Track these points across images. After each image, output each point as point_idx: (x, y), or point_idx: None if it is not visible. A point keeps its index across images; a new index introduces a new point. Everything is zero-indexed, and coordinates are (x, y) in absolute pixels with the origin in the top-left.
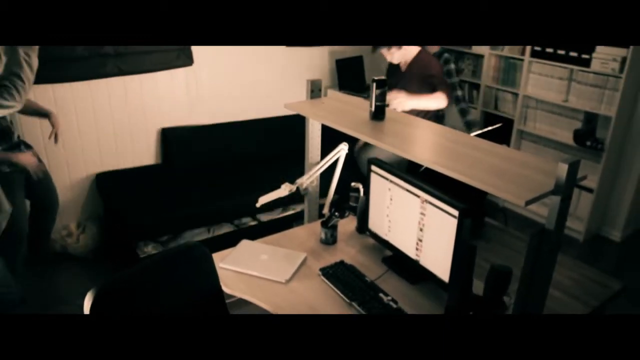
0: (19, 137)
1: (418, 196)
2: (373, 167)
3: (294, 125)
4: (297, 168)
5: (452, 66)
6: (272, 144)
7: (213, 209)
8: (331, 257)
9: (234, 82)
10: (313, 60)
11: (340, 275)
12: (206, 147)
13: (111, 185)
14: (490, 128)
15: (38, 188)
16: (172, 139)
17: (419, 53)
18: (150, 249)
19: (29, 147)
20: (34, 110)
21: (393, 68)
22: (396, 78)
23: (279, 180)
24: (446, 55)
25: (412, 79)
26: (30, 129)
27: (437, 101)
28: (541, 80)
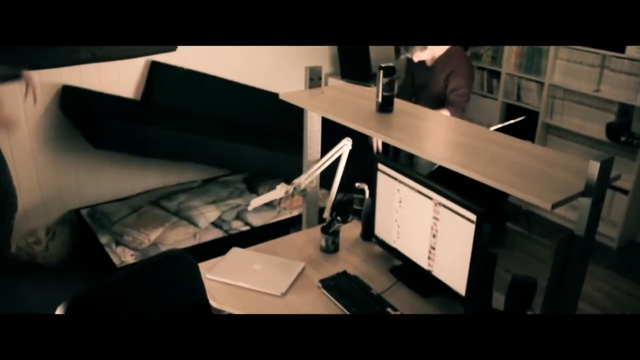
0: None
1: (431, 198)
2: (380, 166)
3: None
4: (293, 150)
5: None
6: (267, 118)
7: (189, 141)
8: (332, 267)
9: (224, 67)
10: (312, 46)
11: (342, 287)
12: (192, 95)
13: (77, 102)
14: (512, 121)
15: None
16: (158, 75)
17: (450, 48)
18: (128, 258)
19: None
20: (2, 77)
21: (414, 63)
22: (420, 73)
23: (263, 143)
24: None
25: (438, 76)
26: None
27: None
28: (569, 68)
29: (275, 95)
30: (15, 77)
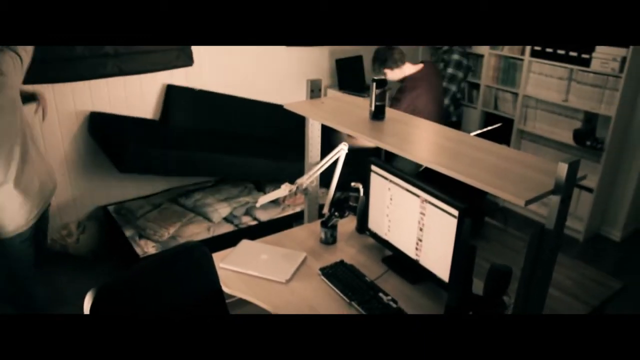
0: None
1: (418, 196)
2: (373, 167)
3: (291, 116)
4: (293, 153)
5: (455, 57)
6: (270, 128)
7: (207, 160)
8: (331, 257)
9: (233, 82)
10: (313, 60)
11: (340, 275)
12: (206, 114)
13: (105, 127)
14: (490, 128)
15: None
16: (173, 96)
17: (422, 69)
18: (150, 249)
19: None
20: (24, 98)
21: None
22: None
23: (274, 154)
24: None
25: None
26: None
27: None
28: (541, 80)
29: (279, 106)
30: (30, 99)
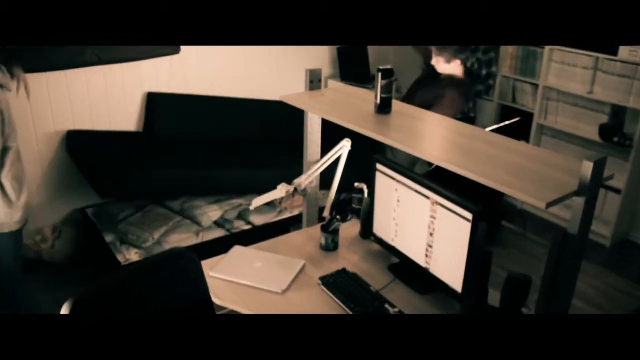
0: None
1: (428, 198)
2: (378, 166)
3: (289, 112)
4: (290, 157)
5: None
6: (264, 128)
7: (195, 178)
8: (332, 265)
9: (227, 71)
10: (312, 49)
11: (342, 285)
12: (193, 120)
13: (84, 147)
14: (507, 123)
15: None
16: (156, 105)
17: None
18: (133, 256)
19: None
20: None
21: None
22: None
23: (268, 162)
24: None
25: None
26: None
27: None
28: (563, 70)
29: (276, 103)
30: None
